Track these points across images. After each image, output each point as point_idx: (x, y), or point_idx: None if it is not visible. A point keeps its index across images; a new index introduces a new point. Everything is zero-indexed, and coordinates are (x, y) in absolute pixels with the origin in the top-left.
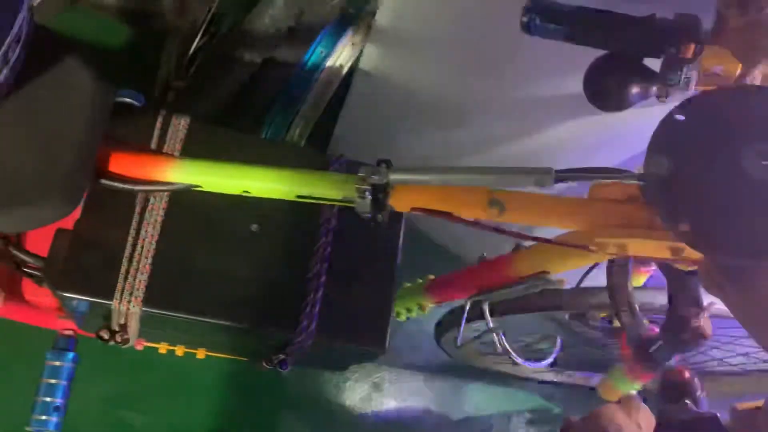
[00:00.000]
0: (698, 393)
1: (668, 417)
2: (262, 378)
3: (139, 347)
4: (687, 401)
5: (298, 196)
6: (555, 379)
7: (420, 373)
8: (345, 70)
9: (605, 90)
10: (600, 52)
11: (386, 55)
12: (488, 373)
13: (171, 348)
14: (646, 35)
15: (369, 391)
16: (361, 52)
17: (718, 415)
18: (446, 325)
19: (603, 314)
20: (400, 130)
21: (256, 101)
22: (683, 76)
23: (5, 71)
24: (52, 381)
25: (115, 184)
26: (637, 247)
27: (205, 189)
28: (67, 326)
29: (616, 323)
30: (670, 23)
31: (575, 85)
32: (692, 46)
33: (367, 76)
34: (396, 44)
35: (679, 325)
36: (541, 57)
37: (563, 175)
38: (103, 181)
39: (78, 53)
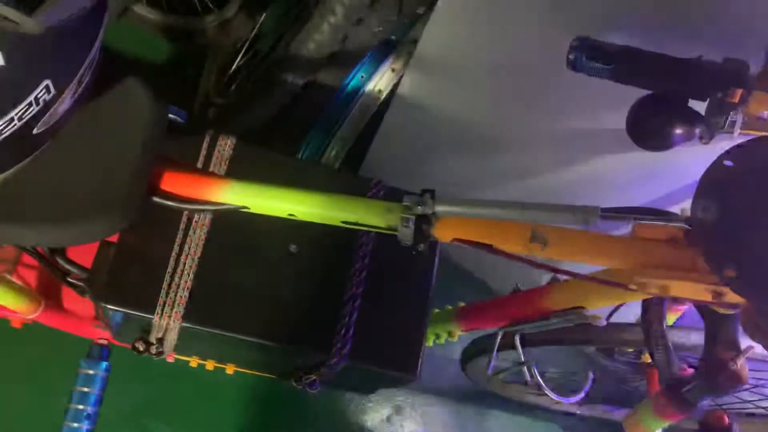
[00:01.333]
0: None
1: None
2: (286, 396)
3: (171, 359)
4: None
5: (343, 222)
6: (578, 412)
7: (442, 399)
8: (384, 95)
9: (649, 130)
10: (644, 91)
11: (425, 83)
12: (510, 402)
13: (201, 362)
14: (693, 77)
15: (390, 413)
16: (400, 78)
17: None
18: (474, 353)
19: (630, 349)
20: (434, 157)
21: (295, 122)
22: (728, 120)
23: (78, 94)
24: (85, 389)
25: (167, 202)
26: (678, 288)
27: (253, 210)
28: (101, 336)
29: (644, 359)
30: (718, 67)
31: (615, 121)
32: (739, 91)
33: (405, 103)
34: (435, 73)
35: (716, 368)
36: (582, 92)
37: (609, 215)
38: (155, 199)
39: (136, 73)
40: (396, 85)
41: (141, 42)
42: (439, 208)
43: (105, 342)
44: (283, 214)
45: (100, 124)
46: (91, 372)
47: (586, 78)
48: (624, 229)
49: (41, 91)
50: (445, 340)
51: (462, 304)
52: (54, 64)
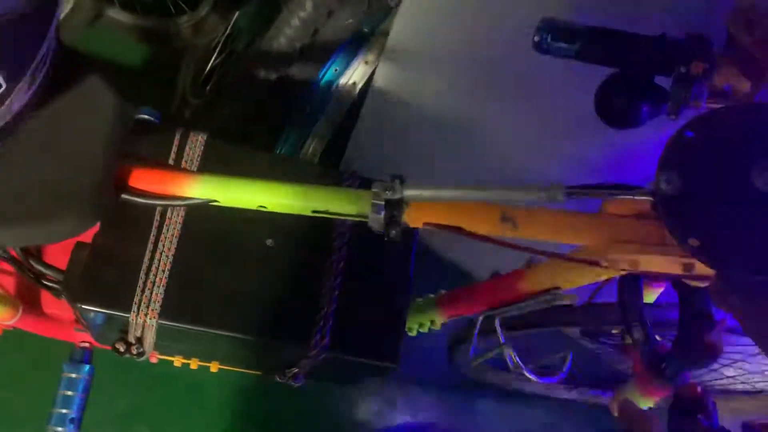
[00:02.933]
0: (711, 409)
1: (680, 430)
2: (274, 392)
3: (154, 360)
4: (700, 416)
5: (314, 211)
6: (567, 397)
7: (432, 389)
8: (358, 88)
9: (616, 107)
10: (610, 71)
11: (399, 74)
12: (500, 389)
13: (185, 361)
14: (657, 54)
15: (381, 406)
16: (374, 70)
17: (731, 431)
18: (457, 340)
19: (616, 331)
20: (412, 148)
21: (271, 118)
22: (693, 94)
23: (32, 90)
24: (69, 393)
25: (136, 199)
26: (648, 262)
27: (223, 204)
28: (83, 339)
29: (628, 340)
30: (681, 42)
31: (587, 104)
32: (702, 65)
33: (380, 95)
34: (409, 63)
35: (691, 342)
36: (552, 77)
37: (574, 191)
38: (124, 196)
39: (99, 72)
40: (371, 78)
41: (116, 45)
42: (408, 192)
43: (87, 345)
44: (254, 206)
45: (63, 122)
46: (74, 375)
47: (555, 61)
48: (595, 207)
49: None
50: (429, 328)
51: (443, 292)
52: (4, 58)
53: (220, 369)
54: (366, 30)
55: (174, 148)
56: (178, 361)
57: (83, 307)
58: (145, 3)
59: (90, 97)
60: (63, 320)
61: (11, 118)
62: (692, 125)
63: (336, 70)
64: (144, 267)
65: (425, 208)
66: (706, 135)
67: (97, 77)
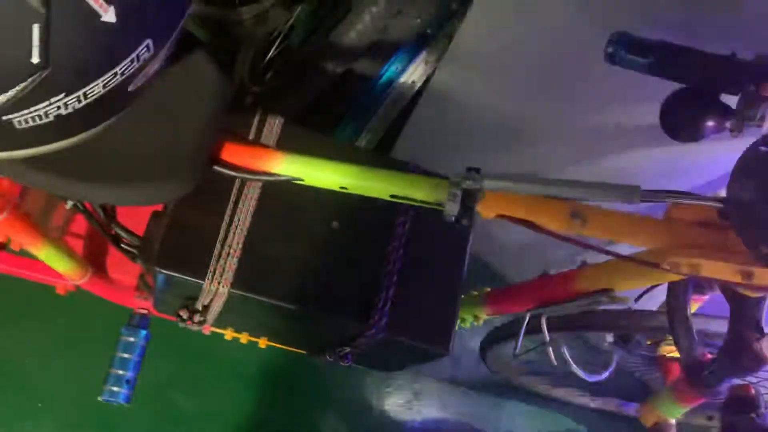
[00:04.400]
0: (762, 409)
1: (734, 427)
2: (310, 377)
3: (206, 331)
4: (752, 415)
5: (392, 196)
6: (592, 405)
7: (460, 387)
8: (417, 87)
9: (682, 121)
10: (677, 85)
11: (457, 76)
12: (526, 392)
13: (236, 335)
14: (726, 72)
15: (409, 398)
16: (433, 71)
17: None
18: (496, 338)
19: (648, 342)
20: (463, 148)
21: (331, 109)
22: (759, 114)
23: (166, 57)
24: (125, 355)
25: (227, 171)
26: (709, 268)
27: (306, 182)
28: (142, 305)
29: (660, 351)
30: (750, 62)
31: (648, 114)
32: None
33: (437, 95)
34: (469, 66)
35: (739, 349)
36: (617, 86)
37: (649, 194)
38: (216, 168)
39: (206, 48)
40: (429, 78)
41: None
42: (487, 183)
43: (145, 311)
44: (335, 187)
45: (172, 92)
46: (131, 339)
47: (619, 72)
48: (658, 213)
49: (143, 49)
50: (471, 324)
51: (488, 289)
52: (156, 24)
53: (267, 346)
54: (429, 32)
55: (253, 128)
56: (229, 334)
57: (160, 271)
58: None
59: (198, 70)
60: (125, 286)
61: (145, 82)
62: (766, 141)
63: (397, 68)
64: (220, 238)
65: (499, 200)
66: None
67: (204, 53)
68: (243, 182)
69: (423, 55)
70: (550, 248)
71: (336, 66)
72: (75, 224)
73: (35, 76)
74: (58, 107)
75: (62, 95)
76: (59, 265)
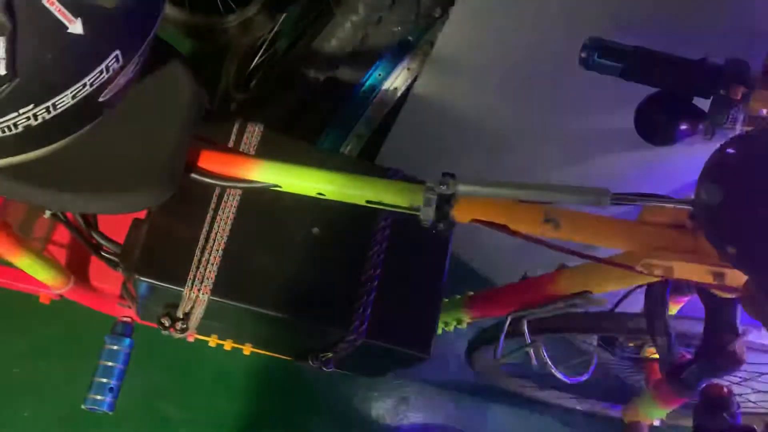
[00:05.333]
0: (735, 409)
1: (705, 427)
2: (296, 383)
3: (191, 339)
4: (725, 414)
5: (368, 201)
6: (578, 407)
7: (446, 391)
8: (399, 93)
9: (655, 125)
10: (650, 90)
11: (439, 82)
12: (512, 396)
13: (220, 342)
14: (698, 76)
15: (396, 403)
16: (415, 77)
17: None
18: (480, 342)
19: (631, 344)
20: (447, 153)
21: (314, 117)
22: (730, 117)
23: (136, 68)
24: (109, 363)
25: (203, 178)
26: (682, 270)
27: (284, 189)
28: (125, 313)
29: (644, 353)
30: (721, 66)
31: (624, 119)
32: (741, 89)
33: (419, 101)
34: (450, 72)
35: (715, 350)
36: (591, 91)
37: (619, 197)
38: (193, 175)
39: (179, 57)
40: (411, 84)
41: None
42: (461, 188)
43: (128, 319)
44: (312, 193)
45: (145, 101)
46: (115, 347)
47: (595, 77)
48: (632, 215)
49: (111, 60)
50: (454, 327)
51: (471, 292)
52: (124, 36)
53: (251, 353)
54: (411, 39)
55: (233, 136)
56: (213, 341)
57: (140, 279)
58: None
59: (171, 80)
60: (108, 294)
61: (116, 92)
62: (733, 143)
63: (380, 75)
64: (200, 245)
65: (474, 205)
66: (746, 153)
67: (178, 62)
68: (223, 190)
69: (405, 62)
70: (533, 251)
71: (318, 73)
72: (57, 233)
73: (2, 88)
74: (27, 118)
75: (31, 106)
76: (41, 275)
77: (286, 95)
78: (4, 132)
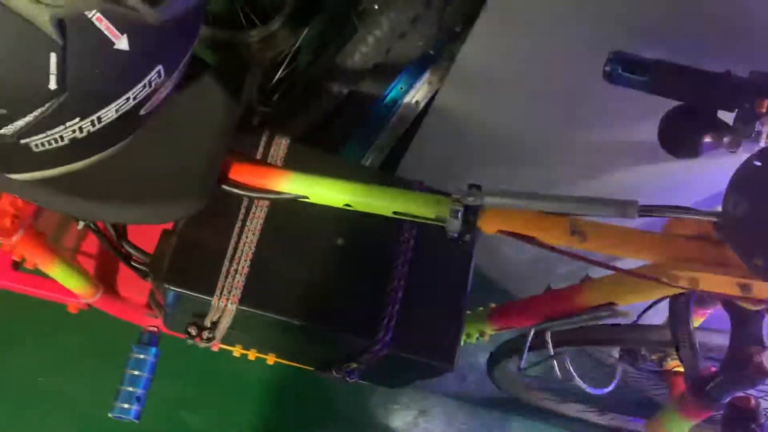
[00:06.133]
0: (763, 420)
1: None
2: (318, 394)
3: (215, 348)
4: (753, 426)
5: (395, 213)
6: (600, 422)
7: (467, 403)
8: (421, 106)
9: (680, 138)
10: (675, 103)
11: (460, 95)
12: (532, 409)
13: (244, 352)
14: (722, 89)
15: (416, 416)
16: (436, 91)
17: None
18: (502, 354)
19: (654, 357)
20: (468, 166)
21: (337, 129)
22: (755, 130)
23: (176, 82)
24: (136, 372)
25: (235, 190)
26: (707, 281)
27: (312, 200)
28: (152, 323)
29: (667, 366)
30: (746, 79)
31: (647, 132)
32: (766, 102)
33: (440, 113)
34: (471, 86)
35: (741, 362)
36: (617, 104)
37: (646, 209)
38: (225, 187)
39: (212, 73)
40: (432, 98)
41: None
42: (488, 200)
43: (155, 329)
44: (339, 204)
45: (181, 115)
46: (141, 356)
47: (618, 91)
48: (657, 227)
49: (154, 75)
50: (477, 339)
51: (493, 305)
52: (166, 51)
53: (274, 363)
54: (432, 53)
55: (260, 149)
56: (237, 351)
57: (169, 287)
58: (217, 15)
59: (207, 93)
60: (135, 304)
61: (156, 106)
62: (760, 156)
63: (402, 88)
64: (228, 255)
65: (500, 216)
66: None
67: (212, 77)
68: (251, 201)
69: (426, 76)
70: (552, 264)
71: (341, 87)
72: (87, 243)
73: (52, 102)
74: (73, 131)
75: (77, 119)
76: (71, 284)
77: (308, 109)
78: (50, 144)
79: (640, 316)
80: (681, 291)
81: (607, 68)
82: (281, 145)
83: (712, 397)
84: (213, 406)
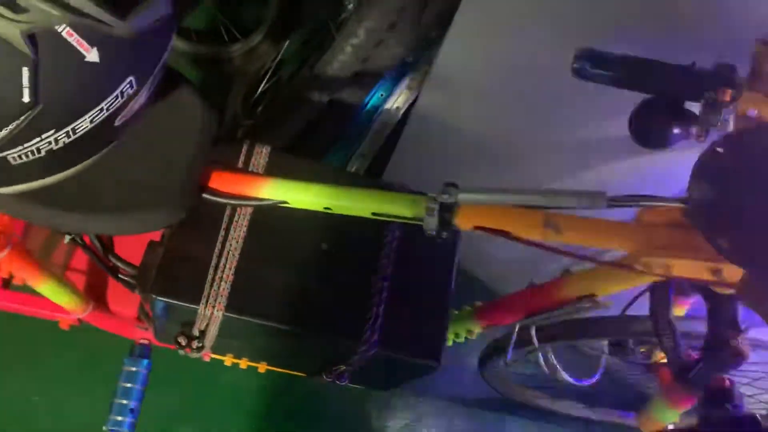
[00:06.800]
0: (738, 400)
1: (708, 420)
2: (312, 402)
3: (207, 358)
4: (728, 405)
5: (373, 213)
6: (592, 417)
7: (461, 406)
8: (401, 112)
9: (649, 130)
10: (642, 96)
11: (440, 100)
12: (526, 408)
13: (236, 360)
14: (688, 81)
15: (410, 421)
16: (416, 96)
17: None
18: (490, 352)
19: (642, 349)
20: (450, 168)
21: (319, 138)
22: (720, 118)
23: (149, 93)
24: (128, 385)
25: (216, 198)
26: (680, 267)
27: (292, 205)
28: (143, 336)
29: (654, 358)
30: (709, 71)
31: (618, 128)
32: (729, 91)
33: (421, 118)
34: (449, 90)
35: (719, 345)
36: (586, 101)
37: (615, 199)
38: (206, 195)
39: (189, 86)
40: (412, 103)
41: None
42: (461, 196)
43: (146, 341)
44: (319, 208)
45: (160, 126)
46: (133, 369)
47: (589, 88)
48: (629, 217)
49: (126, 85)
50: (465, 338)
51: (479, 303)
52: (137, 62)
53: (266, 371)
54: (410, 59)
55: (242, 157)
56: (229, 360)
57: (157, 298)
58: (199, 31)
59: (183, 105)
60: (125, 318)
61: (131, 117)
62: (722, 142)
63: (382, 95)
64: (213, 264)
65: (475, 212)
66: (734, 150)
67: (189, 89)
68: (234, 210)
69: (406, 82)
70: (542, 262)
71: (323, 96)
72: (75, 259)
73: (27, 114)
74: (49, 142)
75: (52, 131)
76: (62, 299)
77: (291, 119)
78: (27, 157)
79: (625, 308)
80: (659, 280)
81: (576, 65)
82: (262, 154)
83: (696, 383)
84: (207, 417)
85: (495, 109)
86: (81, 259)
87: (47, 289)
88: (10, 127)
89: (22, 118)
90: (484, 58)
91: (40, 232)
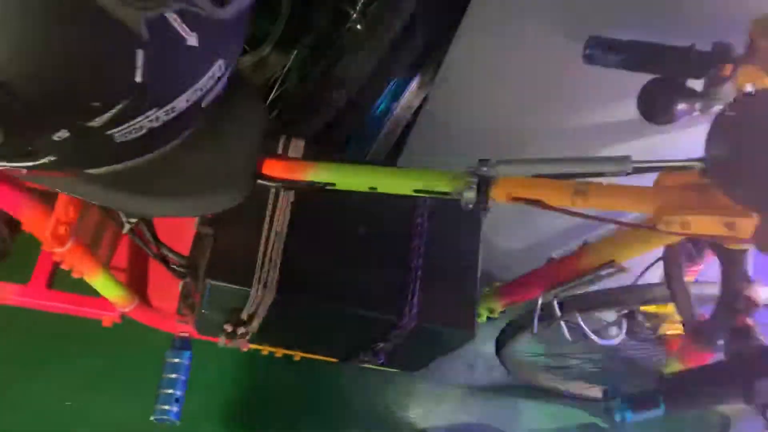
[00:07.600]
0: (762, 336)
1: (740, 353)
2: (336, 391)
3: (245, 348)
4: (754, 338)
5: (415, 191)
6: (599, 396)
7: (478, 391)
8: (412, 110)
9: (656, 107)
10: (648, 77)
11: (449, 96)
12: (541, 392)
13: (272, 349)
14: (690, 60)
15: (428, 407)
16: (427, 95)
17: None
18: (510, 333)
19: (648, 324)
20: (463, 162)
21: (333, 142)
22: (722, 93)
23: (224, 82)
24: (173, 376)
25: (269, 183)
26: (698, 224)
27: (339, 186)
28: (183, 329)
29: (661, 331)
30: (708, 51)
31: (628, 108)
32: (729, 66)
33: (432, 116)
34: (459, 87)
35: (733, 297)
36: (594, 87)
37: (638, 163)
38: (260, 181)
39: (246, 80)
40: (424, 101)
41: None
42: (501, 168)
43: (186, 334)
44: (365, 188)
45: (225, 117)
46: (176, 360)
47: (597, 74)
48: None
49: (216, 68)
50: (487, 317)
51: (498, 283)
52: (227, 46)
53: (302, 358)
54: (420, 59)
55: (280, 149)
56: (265, 349)
57: (211, 282)
58: None
59: (244, 97)
60: (166, 312)
61: (213, 99)
62: (732, 106)
63: (393, 95)
64: (261, 249)
65: (511, 184)
66: (743, 112)
67: (247, 84)
68: (276, 198)
69: (416, 82)
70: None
71: (334, 101)
72: (116, 255)
73: (136, 93)
74: (151, 120)
75: (155, 110)
76: (111, 293)
77: (303, 125)
78: (131, 134)
79: (639, 276)
80: (673, 244)
81: (588, 51)
82: (298, 146)
83: (711, 339)
84: (234, 414)
85: (504, 104)
86: (121, 255)
87: (101, 282)
88: (121, 105)
89: (132, 97)
90: (491, 57)
91: (90, 224)
